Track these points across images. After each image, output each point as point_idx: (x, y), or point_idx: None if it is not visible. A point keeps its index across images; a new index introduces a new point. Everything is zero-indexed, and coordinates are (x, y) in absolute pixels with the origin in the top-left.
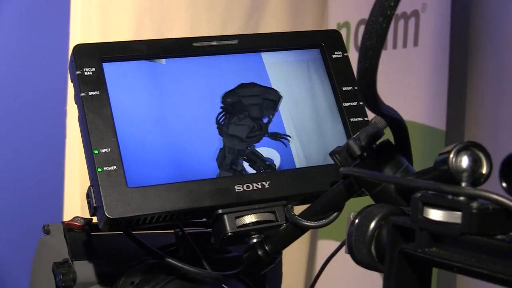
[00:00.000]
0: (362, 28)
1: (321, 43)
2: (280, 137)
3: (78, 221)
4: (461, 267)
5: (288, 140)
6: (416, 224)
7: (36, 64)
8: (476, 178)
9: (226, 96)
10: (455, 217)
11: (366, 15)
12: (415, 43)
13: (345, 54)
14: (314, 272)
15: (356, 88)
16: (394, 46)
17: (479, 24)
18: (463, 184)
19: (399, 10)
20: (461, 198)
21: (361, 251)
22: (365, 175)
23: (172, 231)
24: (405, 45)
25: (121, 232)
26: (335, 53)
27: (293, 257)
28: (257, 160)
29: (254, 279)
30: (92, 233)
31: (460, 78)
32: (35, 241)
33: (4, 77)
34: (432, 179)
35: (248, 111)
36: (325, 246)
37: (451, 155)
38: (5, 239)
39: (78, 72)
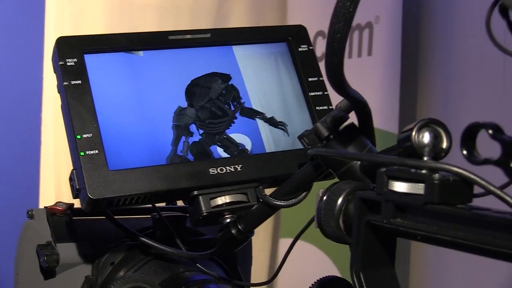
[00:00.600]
0: (319, 39)
1: (288, 37)
2: (252, 116)
3: (60, 206)
4: (424, 235)
5: (256, 122)
6: (382, 196)
7: (12, 58)
8: (437, 153)
9: (191, 84)
10: (418, 188)
11: (323, 27)
12: (369, 53)
13: (311, 48)
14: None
15: (321, 79)
16: (350, 56)
17: (428, 34)
18: (425, 158)
19: (354, 21)
20: (424, 171)
21: (329, 224)
22: (332, 154)
23: (149, 216)
24: (360, 54)
25: (101, 217)
26: (301, 46)
27: (256, 257)
28: (230, 145)
29: (226, 261)
30: (73, 217)
31: (411, 84)
32: (14, 226)
33: None
34: (396, 155)
35: (210, 98)
36: (287, 244)
37: (414, 132)
38: None
39: (61, 63)
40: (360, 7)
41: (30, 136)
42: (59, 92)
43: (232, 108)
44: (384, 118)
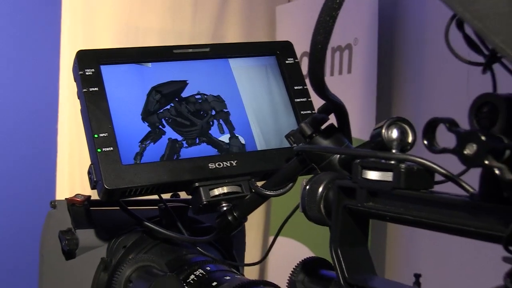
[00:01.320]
0: (304, 59)
1: (277, 51)
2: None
3: (79, 197)
4: (392, 216)
5: (250, 124)
6: (357, 184)
7: (32, 65)
8: (403, 146)
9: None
10: (388, 176)
11: (307, 49)
12: (349, 71)
13: (296, 60)
14: (267, 266)
15: (305, 87)
16: (332, 74)
17: (401, 54)
18: (394, 151)
19: (336, 43)
20: (392, 161)
21: (312, 209)
22: (315, 149)
23: (157, 206)
24: (340, 72)
25: (115, 207)
26: (288, 59)
27: (248, 253)
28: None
29: (223, 245)
30: (90, 207)
31: (386, 99)
32: (34, 214)
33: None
34: (369, 149)
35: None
36: (276, 242)
37: (384, 129)
38: (9, 215)
39: (80, 72)
40: (340, 30)
41: (48, 138)
42: (78, 98)
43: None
44: (362, 128)
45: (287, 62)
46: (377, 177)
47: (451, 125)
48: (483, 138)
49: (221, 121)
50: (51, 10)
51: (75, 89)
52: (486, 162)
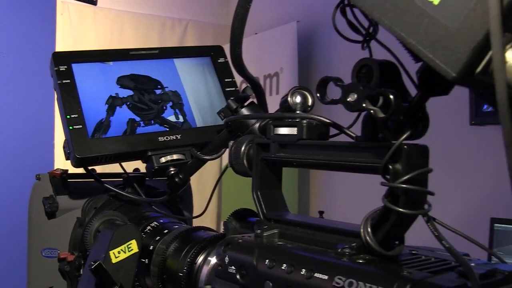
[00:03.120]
0: None
1: (211, 53)
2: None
3: (59, 171)
4: (298, 161)
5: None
6: (270, 139)
7: (33, 69)
8: (305, 108)
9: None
10: (293, 131)
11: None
12: (277, 92)
13: (226, 60)
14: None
15: (233, 80)
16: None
17: (317, 77)
18: (298, 112)
19: (267, 72)
20: (297, 119)
21: (238, 164)
22: (240, 118)
23: (121, 178)
24: (271, 94)
25: (88, 179)
26: (220, 59)
27: None
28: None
29: (173, 206)
30: (68, 179)
31: None
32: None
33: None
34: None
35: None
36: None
37: (289, 96)
38: (6, 182)
39: (55, 69)
40: (269, 62)
41: (46, 123)
42: (54, 90)
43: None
44: None
45: (219, 61)
46: (285, 132)
47: (338, 81)
48: (361, 88)
49: (177, 110)
50: (47, 35)
51: None
52: (364, 105)
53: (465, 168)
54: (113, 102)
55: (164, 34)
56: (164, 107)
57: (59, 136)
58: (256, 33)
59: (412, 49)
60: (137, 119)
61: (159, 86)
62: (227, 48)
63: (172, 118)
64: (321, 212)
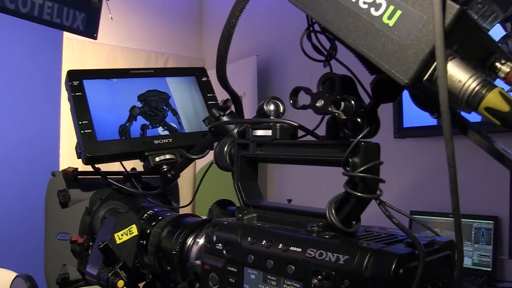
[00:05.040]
0: None
1: (196, 73)
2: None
3: (70, 169)
4: (273, 157)
5: (181, 118)
6: (249, 140)
7: (44, 89)
8: (277, 114)
9: (140, 96)
10: (269, 132)
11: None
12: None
13: (208, 79)
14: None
15: (214, 95)
16: None
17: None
18: (272, 117)
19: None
20: (271, 123)
21: (222, 160)
22: (222, 123)
23: (122, 175)
24: None
25: (94, 176)
26: (203, 78)
27: None
28: (168, 127)
29: (165, 198)
30: (78, 176)
31: None
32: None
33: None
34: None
35: (150, 104)
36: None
37: (265, 104)
38: (21, 180)
39: (69, 83)
40: (235, 87)
41: (51, 127)
42: (68, 101)
43: (164, 108)
44: None
45: (202, 79)
46: (262, 133)
47: (307, 90)
48: (327, 95)
49: (176, 116)
50: (56, 63)
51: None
52: (330, 109)
53: (390, 171)
54: (132, 112)
55: (149, 64)
56: (166, 114)
57: (64, 142)
58: None
59: (372, 61)
60: (147, 123)
61: (164, 98)
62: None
63: (172, 123)
64: (289, 200)
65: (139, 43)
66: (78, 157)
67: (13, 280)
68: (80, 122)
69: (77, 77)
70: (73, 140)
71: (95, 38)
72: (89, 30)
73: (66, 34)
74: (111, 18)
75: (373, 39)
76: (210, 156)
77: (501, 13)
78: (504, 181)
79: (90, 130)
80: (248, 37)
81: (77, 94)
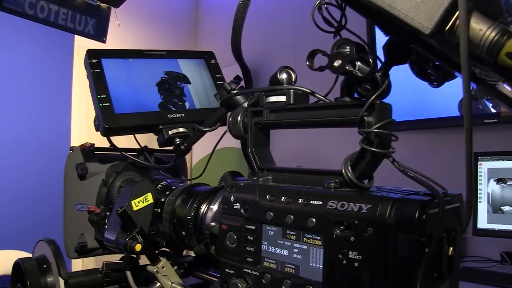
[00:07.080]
0: None
1: (205, 56)
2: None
3: (88, 144)
4: (287, 122)
5: (192, 96)
6: (263, 106)
7: (55, 90)
8: (290, 82)
9: (167, 73)
10: (282, 98)
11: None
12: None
13: (216, 61)
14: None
15: (222, 76)
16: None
17: None
18: (284, 84)
19: None
20: (285, 90)
21: (236, 129)
22: (235, 95)
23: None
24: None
25: (110, 153)
26: (211, 61)
27: None
28: (179, 103)
29: (175, 172)
30: (95, 151)
31: None
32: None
33: (39, 96)
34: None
35: (170, 82)
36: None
37: (278, 73)
38: (41, 157)
39: (89, 61)
40: None
41: (63, 108)
42: (87, 78)
43: (181, 86)
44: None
45: (211, 62)
46: (275, 99)
47: (324, 52)
48: (345, 55)
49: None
50: (67, 69)
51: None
52: (347, 68)
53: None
54: (159, 87)
55: None
56: (183, 92)
57: (75, 139)
58: None
59: (393, 13)
60: (164, 100)
61: (183, 77)
62: None
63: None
64: (299, 166)
65: (142, 45)
66: (97, 130)
67: (36, 244)
68: (98, 96)
69: (95, 56)
70: (83, 136)
71: (104, 42)
72: (99, 34)
73: (76, 42)
74: (118, 24)
75: None
76: (206, 149)
77: None
78: None
79: (108, 104)
80: None
81: (96, 71)
